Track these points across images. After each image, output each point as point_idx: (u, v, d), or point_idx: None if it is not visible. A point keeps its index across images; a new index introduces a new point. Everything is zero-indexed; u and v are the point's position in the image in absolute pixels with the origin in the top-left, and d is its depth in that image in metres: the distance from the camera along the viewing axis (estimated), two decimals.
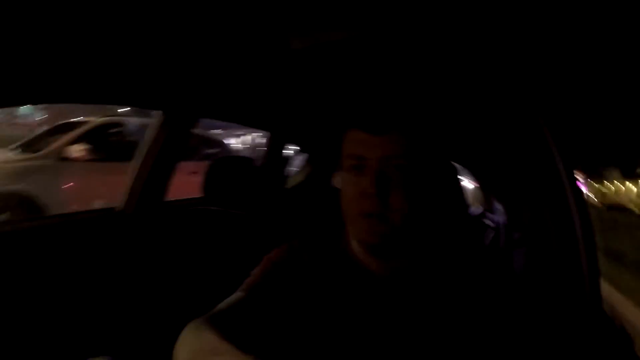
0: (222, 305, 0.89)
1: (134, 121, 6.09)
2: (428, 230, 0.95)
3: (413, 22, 1.13)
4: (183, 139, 2.00)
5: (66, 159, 5.34)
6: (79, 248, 1.63)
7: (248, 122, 2.56)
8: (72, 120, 6.44)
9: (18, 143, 5.98)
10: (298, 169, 3.33)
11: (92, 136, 5.72)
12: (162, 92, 1.72)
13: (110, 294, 1.61)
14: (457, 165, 3.95)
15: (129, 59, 1.34)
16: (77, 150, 5.37)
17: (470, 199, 6.63)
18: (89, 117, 6.33)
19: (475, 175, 4.47)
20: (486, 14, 1.07)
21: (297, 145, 3.08)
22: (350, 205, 0.88)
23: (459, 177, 1.64)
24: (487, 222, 4.03)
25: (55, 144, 5.47)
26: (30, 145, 5.82)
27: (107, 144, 5.69)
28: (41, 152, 5.38)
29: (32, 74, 1.18)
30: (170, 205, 2.18)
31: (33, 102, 1.39)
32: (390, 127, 0.86)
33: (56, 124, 6.49)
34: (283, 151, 2.93)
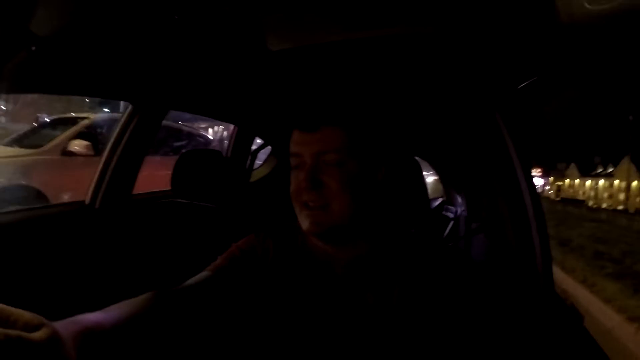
0: (188, 282, 0.92)
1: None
2: (374, 220, 0.98)
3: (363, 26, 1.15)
4: (151, 131, 1.98)
5: (69, 154, 5.35)
6: (47, 241, 1.60)
7: (215, 115, 2.55)
8: (63, 116, 6.53)
9: (12, 137, 6.03)
10: (262, 162, 3.32)
11: (90, 132, 5.77)
12: (130, 83, 1.70)
13: (78, 287, 1.58)
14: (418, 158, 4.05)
15: (98, 48, 1.31)
16: (79, 145, 5.39)
17: (431, 191, 6.74)
18: (79, 114, 6.41)
19: (434, 168, 4.56)
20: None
21: (261, 138, 3.07)
22: (293, 198, 0.94)
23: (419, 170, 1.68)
24: (447, 213, 4.13)
25: (57, 139, 5.49)
26: (23, 140, 5.84)
27: (104, 139, 5.65)
28: (45, 147, 5.39)
29: None
30: (139, 199, 2.15)
31: None
32: (319, 124, 0.91)
33: (48, 119, 6.61)
34: (251, 144, 2.92)
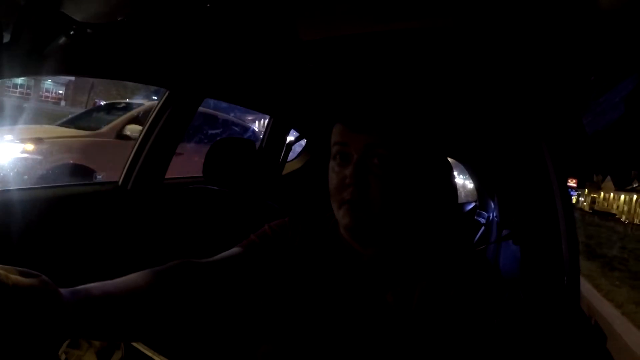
0: (218, 256, 0.92)
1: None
2: (408, 221, 0.95)
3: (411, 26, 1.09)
4: (186, 117, 1.95)
5: (123, 137, 5.39)
6: (79, 217, 1.60)
7: (250, 105, 2.50)
8: (115, 101, 6.82)
9: (65, 119, 6.17)
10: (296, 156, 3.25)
11: (143, 118, 5.72)
12: (167, 69, 1.68)
13: (105, 265, 1.57)
14: (455, 162, 3.92)
15: (136, 34, 1.30)
16: (134, 130, 5.35)
17: (468, 195, 6.57)
18: (134, 100, 6.74)
19: (470, 173, 4.41)
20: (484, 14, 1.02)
21: (297, 131, 2.99)
22: (334, 193, 0.90)
23: (454, 173, 1.60)
24: (479, 218, 4.01)
25: (113, 123, 5.57)
26: (76, 122, 5.95)
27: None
28: (102, 130, 5.47)
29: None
30: (170, 183, 2.13)
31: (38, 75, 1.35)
32: (370, 126, 0.86)
33: (100, 104, 6.78)
34: (286, 137, 2.85)
